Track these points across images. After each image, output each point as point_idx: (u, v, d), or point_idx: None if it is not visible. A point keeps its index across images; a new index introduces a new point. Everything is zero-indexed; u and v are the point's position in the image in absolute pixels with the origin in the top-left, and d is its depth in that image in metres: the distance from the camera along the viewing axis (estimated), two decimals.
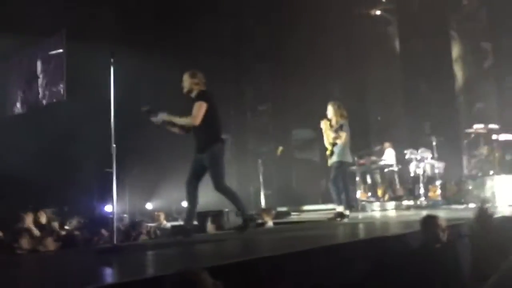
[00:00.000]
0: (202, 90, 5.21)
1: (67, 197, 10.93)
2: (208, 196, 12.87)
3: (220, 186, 5.14)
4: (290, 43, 12.75)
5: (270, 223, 7.55)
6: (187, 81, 5.25)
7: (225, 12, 12.57)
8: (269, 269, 3.14)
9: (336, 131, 6.55)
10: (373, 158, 10.32)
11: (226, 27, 12.57)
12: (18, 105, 10.83)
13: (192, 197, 5.31)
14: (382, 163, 10.22)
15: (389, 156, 10.36)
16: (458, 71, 11.78)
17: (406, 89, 12.71)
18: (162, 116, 5.22)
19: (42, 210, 8.06)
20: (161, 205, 12.52)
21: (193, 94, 5.20)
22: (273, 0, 12.70)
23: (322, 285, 3.36)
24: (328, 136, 6.67)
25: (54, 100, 9.65)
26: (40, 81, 10.48)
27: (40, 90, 10.18)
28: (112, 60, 4.41)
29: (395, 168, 10.17)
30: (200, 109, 5.04)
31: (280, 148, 10.93)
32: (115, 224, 4.25)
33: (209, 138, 5.12)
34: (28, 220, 7.24)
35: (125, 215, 9.28)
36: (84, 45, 9.93)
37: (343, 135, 6.52)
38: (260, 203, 10.52)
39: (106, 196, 11.19)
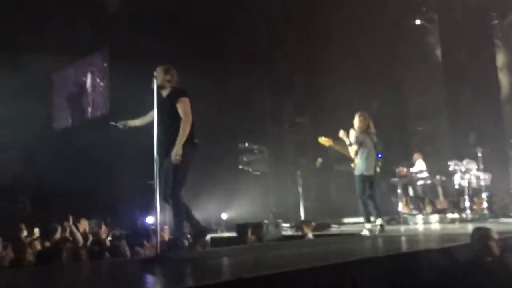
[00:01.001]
0: (176, 87, 4.80)
1: (110, 208, 11.17)
2: (246, 208, 12.92)
3: (175, 196, 4.56)
4: (329, 54, 12.70)
5: (310, 235, 7.49)
6: (159, 77, 4.75)
7: (260, 23, 12.68)
8: (308, 281, 3.10)
9: (351, 143, 6.52)
10: (410, 169, 10.11)
11: (262, 39, 12.66)
12: (65, 119, 11.22)
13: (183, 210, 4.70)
14: (422, 175, 9.98)
15: (419, 168, 10.12)
16: (504, 80, 11.44)
17: (449, 99, 12.41)
18: (129, 123, 5.06)
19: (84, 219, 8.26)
20: (200, 217, 12.61)
21: (165, 91, 4.79)
22: (310, 10, 12.73)
23: None
24: (345, 148, 6.65)
25: (99, 114, 9.95)
26: (84, 96, 10.83)
27: (85, 104, 10.53)
28: (155, 74, 4.61)
29: (428, 180, 9.95)
30: (188, 107, 4.64)
31: (319, 160, 10.87)
32: (158, 235, 4.31)
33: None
34: (73, 228, 7.44)
35: (166, 227, 9.37)
36: (127, 62, 10.22)
37: (352, 148, 6.47)
38: (300, 215, 10.45)
39: (148, 208, 11.40)
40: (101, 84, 10.43)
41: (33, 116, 11.07)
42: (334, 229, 9.27)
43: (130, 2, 11.52)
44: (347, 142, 6.58)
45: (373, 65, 12.21)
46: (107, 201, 11.17)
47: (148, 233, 9.62)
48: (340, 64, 12.43)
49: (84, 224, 8.08)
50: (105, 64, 10.42)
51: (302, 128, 14.02)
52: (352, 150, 6.53)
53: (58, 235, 7.09)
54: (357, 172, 6.56)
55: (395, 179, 10.03)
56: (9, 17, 10.70)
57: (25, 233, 7.82)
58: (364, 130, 6.59)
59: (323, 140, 6.86)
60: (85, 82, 10.53)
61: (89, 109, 10.21)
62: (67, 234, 7.20)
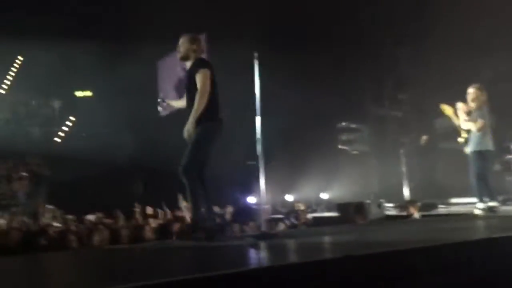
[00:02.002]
0: (201, 58, 4.52)
1: (213, 189, 11.61)
2: (346, 188, 12.72)
3: (188, 170, 4.21)
4: (431, 24, 11.95)
5: (416, 216, 7.23)
6: (184, 46, 4.50)
7: None
8: (417, 260, 2.98)
9: (472, 117, 6.07)
10: None
11: (361, 13, 12.24)
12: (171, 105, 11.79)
13: (201, 191, 4.40)
14: None
15: None
16: None
17: None
18: (171, 103, 4.93)
19: None
20: (300, 197, 12.73)
21: (189, 62, 4.49)
22: None
23: (484, 279, 3.10)
24: (461, 122, 6.21)
25: None
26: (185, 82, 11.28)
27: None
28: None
29: None
30: (206, 78, 4.26)
31: (424, 138, 10.40)
32: (264, 213, 4.42)
33: (204, 114, 4.23)
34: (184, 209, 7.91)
35: (267, 206, 9.61)
36: (226, 46, 10.44)
37: (479, 122, 5.99)
38: (403, 195, 10.13)
39: (249, 188, 11.74)
40: None
41: (144, 102, 11.82)
42: (442, 209, 8.85)
43: None
44: (464, 117, 6.19)
45: (482, 33, 11.27)
46: (211, 182, 11.64)
47: (251, 212, 9.91)
48: (445, 34, 11.63)
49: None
50: (206, 50, 10.74)
51: (404, 105, 13.47)
52: (475, 125, 6.11)
53: (169, 215, 7.55)
54: (472, 149, 6.16)
55: (510, 156, 9.30)
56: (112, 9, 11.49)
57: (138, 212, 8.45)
58: (484, 104, 6.17)
59: (445, 108, 6.48)
60: (180, 71, 10.91)
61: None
62: (176, 214, 7.65)
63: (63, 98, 15.17)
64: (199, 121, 4.20)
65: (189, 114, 4.26)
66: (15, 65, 15.30)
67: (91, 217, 7.89)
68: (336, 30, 11.96)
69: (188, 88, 4.41)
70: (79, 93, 15.32)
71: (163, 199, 8.76)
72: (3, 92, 15.09)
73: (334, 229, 5.30)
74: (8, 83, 15.19)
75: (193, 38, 4.53)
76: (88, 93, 15.33)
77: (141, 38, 11.08)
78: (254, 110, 4.56)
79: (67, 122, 15.13)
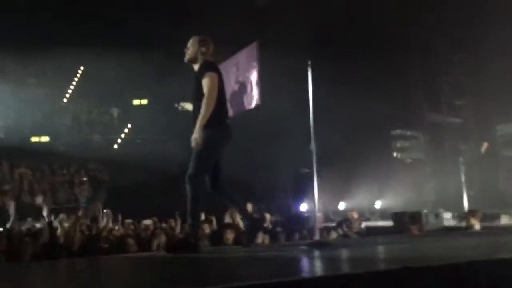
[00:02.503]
0: (209, 61, 4.28)
1: (264, 196, 11.67)
2: (401, 197, 12.38)
3: (193, 179, 4.02)
4: (489, 27, 11.46)
5: (477, 227, 6.92)
6: (193, 48, 4.31)
7: (413, 3, 11.97)
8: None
9: None
10: None
11: (414, 17, 11.94)
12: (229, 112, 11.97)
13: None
14: None
15: None
16: None
17: None
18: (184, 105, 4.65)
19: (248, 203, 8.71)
20: (353, 205, 12.52)
21: (196, 65, 4.30)
22: None
23: None
24: None
25: (253, 105, 10.38)
26: (246, 91, 11.37)
27: (244, 98, 11.06)
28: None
29: None
30: (213, 82, 4.10)
31: (485, 145, 9.99)
32: (317, 221, 4.38)
33: (209, 119, 4.05)
34: (234, 215, 7.96)
35: (319, 214, 9.51)
36: (280, 52, 10.48)
37: None
38: (463, 205, 9.74)
39: (300, 195, 11.68)
40: (258, 76, 10.86)
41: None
42: (505, 220, 8.42)
43: None
44: None
45: None
46: (261, 189, 11.68)
47: (302, 220, 9.86)
48: (504, 37, 11.12)
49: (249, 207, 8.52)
50: (255, 58, 10.81)
51: (462, 111, 13.01)
52: None
53: (226, 220, 7.60)
54: None
55: None
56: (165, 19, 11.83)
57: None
58: None
59: None
60: (247, 78, 10.97)
61: (249, 101, 10.69)
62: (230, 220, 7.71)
63: (121, 106, 15.77)
64: (207, 126, 4.04)
65: (195, 121, 4.10)
66: (77, 75, 16.08)
67: (147, 222, 8.10)
68: (390, 36, 11.74)
69: (194, 93, 4.23)
70: (135, 102, 15.88)
71: (212, 205, 8.86)
72: (65, 101, 15.88)
73: (389, 239, 5.17)
74: (70, 92, 15.98)
75: (203, 40, 4.34)
76: (144, 101, 15.86)
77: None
78: (308, 117, 4.51)
79: (125, 130, 15.70)
